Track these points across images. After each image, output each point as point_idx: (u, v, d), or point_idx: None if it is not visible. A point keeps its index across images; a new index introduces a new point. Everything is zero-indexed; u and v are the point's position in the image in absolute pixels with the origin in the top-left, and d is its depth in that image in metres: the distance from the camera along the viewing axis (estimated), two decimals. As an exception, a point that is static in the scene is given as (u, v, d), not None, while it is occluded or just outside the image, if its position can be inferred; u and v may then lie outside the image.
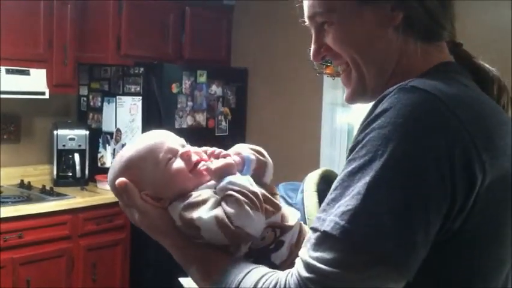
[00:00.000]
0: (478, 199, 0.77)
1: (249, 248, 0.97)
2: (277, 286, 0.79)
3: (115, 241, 3.96)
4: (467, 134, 0.76)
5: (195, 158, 1.03)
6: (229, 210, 0.93)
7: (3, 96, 3.57)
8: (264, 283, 0.81)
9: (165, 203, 1.01)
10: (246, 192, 0.94)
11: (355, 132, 0.84)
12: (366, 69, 0.93)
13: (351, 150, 0.80)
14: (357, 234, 0.74)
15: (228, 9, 4.70)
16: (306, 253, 0.78)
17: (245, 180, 0.97)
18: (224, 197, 0.95)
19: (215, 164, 1.01)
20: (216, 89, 4.29)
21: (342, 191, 0.78)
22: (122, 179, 1.01)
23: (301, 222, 1.05)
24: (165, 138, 1.05)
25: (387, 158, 0.75)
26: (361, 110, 1.04)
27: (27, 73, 3.68)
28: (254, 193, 0.95)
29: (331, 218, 0.77)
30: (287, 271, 0.81)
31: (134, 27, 4.07)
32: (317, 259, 0.76)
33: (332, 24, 0.92)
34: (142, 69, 4.04)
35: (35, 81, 3.73)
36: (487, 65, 0.96)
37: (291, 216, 1.02)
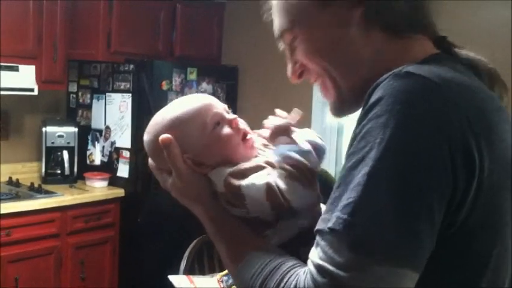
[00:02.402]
0: (480, 188, 0.75)
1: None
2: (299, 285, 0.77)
3: (103, 239, 3.95)
4: (465, 119, 0.74)
5: (242, 125, 1.01)
6: (281, 182, 0.90)
7: (-9, 92, 3.55)
8: (284, 285, 0.79)
9: (206, 168, 0.98)
10: (302, 167, 0.92)
11: (345, 130, 0.83)
12: (338, 74, 0.92)
13: (350, 145, 0.79)
14: (359, 227, 0.72)
15: (219, 7, 4.69)
16: (317, 255, 0.76)
17: (305, 153, 0.94)
18: (279, 168, 0.92)
19: (274, 121, 0.98)
20: (206, 87, 4.28)
21: (345, 187, 0.76)
22: (167, 135, 0.96)
23: None
24: (212, 102, 1.02)
25: (386, 146, 0.73)
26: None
27: (16, 69, 3.64)
28: (311, 170, 0.93)
29: (335, 214, 0.75)
30: (306, 270, 0.78)
31: (125, 24, 4.05)
32: (327, 260, 0.74)
33: (298, 38, 0.93)
34: (132, 66, 4.02)
35: (24, 78, 3.70)
36: (476, 55, 0.95)
37: None
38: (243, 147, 1.00)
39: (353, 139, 0.78)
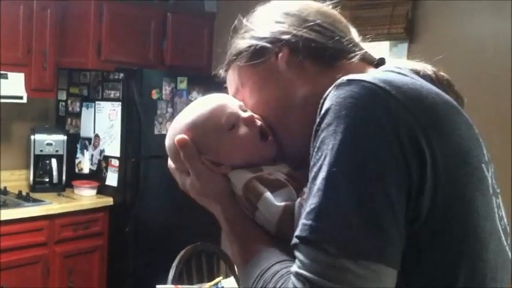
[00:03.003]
0: (438, 180, 0.77)
1: None
2: None
3: (92, 248, 3.93)
4: (409, 113, 0.77)
5: (258, 122, 0.99)
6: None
7: (-20, 100, 3.53)
8: None
9: (225, 168, 0.98)
10: None
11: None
12: (284, 120, 0.98)
13: (310, 159, 0.81)
14: (324, 230, 0.74)
15: (209, 17, 4.70)
16: (295, 264, 0.77)
17: None
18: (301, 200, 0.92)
19: None
20: (196, 96, 4.28)
21: (308, 197, 0.78)
22: (183, 136, 0.98)
23: None
24: (226, 101, 1.02)
25: (338, 150, 0.76)
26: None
27: (5, 77, 3.63)
28: None
29: (300, 222, 0.77)
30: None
31: (115, 33, 4.05)
32: (302, 267, 0.75)
33: (245, 99, 1.02)
34: (122, 74, 4.02)
35: (13, 85, 3.69)
36: (422, 64, 0.98)
37: None
38: (262, 147, 0.99)
39: (312, 152, 0.81)
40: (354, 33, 1.02)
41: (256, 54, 0.98)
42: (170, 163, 1.05)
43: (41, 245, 3.60)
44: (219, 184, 0.98)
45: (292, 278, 0.76)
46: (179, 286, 2.57)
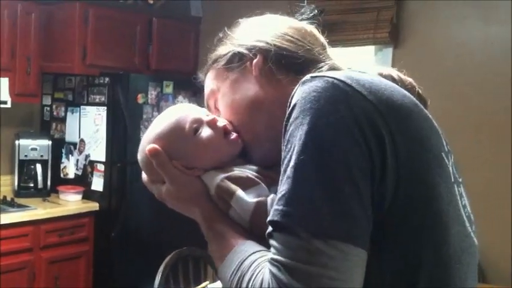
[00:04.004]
0: (399, 163, 0.81)
1: None
2: (263, 285, 0.81)
3: (77, 253, 3.90)
4: (368, 102, 0.83)
5: (221, 123, 1.04)
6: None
7: (-37, 104, 3.50)
8: (253, 281, 0.83)
9: (198, 171, 1.02)
10: None
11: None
12: (252, 123, 1.03)
13: (282, 153, 0.86)
14: (294, 213, 0.79)
15: (195, 21, 4.70)
16: (271, 252, 0.82)
17: None
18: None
19: None
20: (182, 100, 4.28)
21: (279, 186, 0.83)
22: (153, 145, 1.02)
23: None
24: (189, 109, 1.07)
25: (304, 139, 0.81)
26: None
27: (-11, 81, 3.61)
28: None
29: (273, 208, 0.82)
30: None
31: (101, 37, 4.03)
32: (277, 253, 0.80)
33: (218, 99, 1.08)
34: (107, 79, 4.00)
35: (-2, 90, 3.67)
36: (387, 68, 1.05)
37: None
38: (226, 145, 1.04)
39: (282, 146, 0.86)
40: (325, 46, 1.09)
41: (233, 59, 1.06)
42: (144, 176, 1.09)
43: (26, 251, 3.57)
44: (194, 186, 1.02)
45: (268, 265, 0.81)
46: (165, 291, 2.56)
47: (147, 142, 1.05)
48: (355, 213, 0.79)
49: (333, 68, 1.03)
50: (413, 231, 0.83)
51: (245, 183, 0.97)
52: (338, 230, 0.78)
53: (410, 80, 1.05)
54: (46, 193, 4.04)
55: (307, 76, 0.88)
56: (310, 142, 0.81)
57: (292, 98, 0.87)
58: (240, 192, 0.96)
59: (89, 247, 3.98)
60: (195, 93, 4.34)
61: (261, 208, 0.94)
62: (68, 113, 4.23)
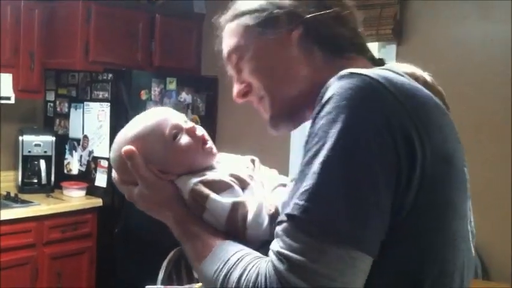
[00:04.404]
0: (424, 175, 0.81)
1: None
2: (259, 279, 0.81)
3: (80, 249, 3.91)
4: (405, 110, 0.81)
5: (200, 133, 1.05)
6: (252, 210, 0.95)
7: (-33, 101, 3.51)
8: (247, 275, 0.83)
9: (172, 176, 1.02)
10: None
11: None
12: (278, 91, 1.01)
13: (306, 142, 0.85)
14: (314, 211, 0.78)
15: (198, 18, 4.70)
16: (276, 244, 0.81)
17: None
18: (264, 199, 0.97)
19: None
20: (185, 97, 4.28)
21: (302, 179, 0.82)
22: (129, 147, 1.01)
23: None
24: (169, 114, 1.06)
25: (336, 138, 0.80)
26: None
27: (-8, 78, 3.62)
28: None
29: (293, 201, 0.81)
30: (267, 259, 0.82)
31: (103, 34, 4.04)
32: (285, 247, 0.79)
33: (243, 58, 1.03)
34: (110, 75, 4.01)
35: (1, 86, 3.67)
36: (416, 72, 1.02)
37: None
38: (202, 154, 1.04)
39: (308, 137, 0.85)
40: (362, 34, 1.05)
41: (270, 21, 1.00)
42: (115, 175, 1.09)
43: (29, 247, 3.58)
44: (168, 190, 1.01)
45: (273, 257, 0.80)
46: (168, 287, 2.57)
47: (123, 142, 1.04)
48: (372, 223, 0.78)
49: (371, 59, 1.02)
50: (422, 246, 0.83)
51: (219, 187, 0.98)
52: (352, 237, 0.77)
53: (439, 88, 1.01)
54: (50, 189, 4.05)
55: (346, 71, 0.85)
56: (342, 142, 0.80)
57: (327, 90, 0.85)
58: (214, 194, 0.96)
59: (92, 243, 3.99)
60: (198, 90, 4.35)
61: (236, 208, 0.95)
62: (72, 109, 4.24)
